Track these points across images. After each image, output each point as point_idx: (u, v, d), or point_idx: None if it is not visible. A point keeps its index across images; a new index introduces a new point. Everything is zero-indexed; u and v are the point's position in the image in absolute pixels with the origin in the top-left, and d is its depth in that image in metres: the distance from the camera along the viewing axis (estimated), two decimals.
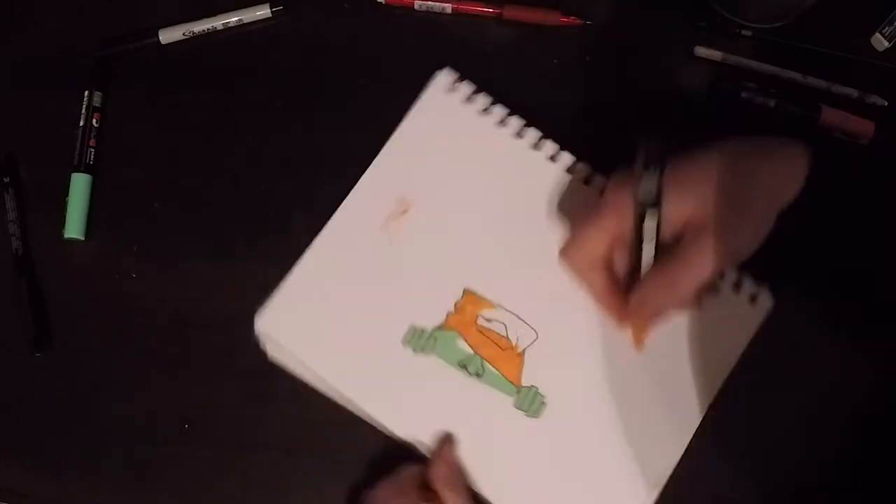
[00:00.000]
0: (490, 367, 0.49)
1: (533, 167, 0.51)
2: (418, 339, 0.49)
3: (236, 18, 0.56)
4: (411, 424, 0.48)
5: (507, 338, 0.50)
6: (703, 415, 0.49)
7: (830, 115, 0.54)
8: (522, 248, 0.50)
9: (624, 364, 0.49)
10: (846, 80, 0.56)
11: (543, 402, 0.49)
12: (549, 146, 0.52)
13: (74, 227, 0.53)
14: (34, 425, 0.51)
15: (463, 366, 0.49)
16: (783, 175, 0.45)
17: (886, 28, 0.56)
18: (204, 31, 0.56)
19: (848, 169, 0.55)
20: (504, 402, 0.49)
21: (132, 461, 0.50)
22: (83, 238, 0.53)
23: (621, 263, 0.46)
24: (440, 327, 0.49)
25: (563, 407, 0.49)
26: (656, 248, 0.43)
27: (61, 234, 0.53)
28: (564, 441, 0.48)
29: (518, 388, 0.49)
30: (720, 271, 0.43)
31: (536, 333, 0.50)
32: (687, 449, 0.48)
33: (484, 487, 0.48)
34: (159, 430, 0.50)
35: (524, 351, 0.50)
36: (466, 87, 0.52)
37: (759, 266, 0.53)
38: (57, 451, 0.51)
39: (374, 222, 0.50)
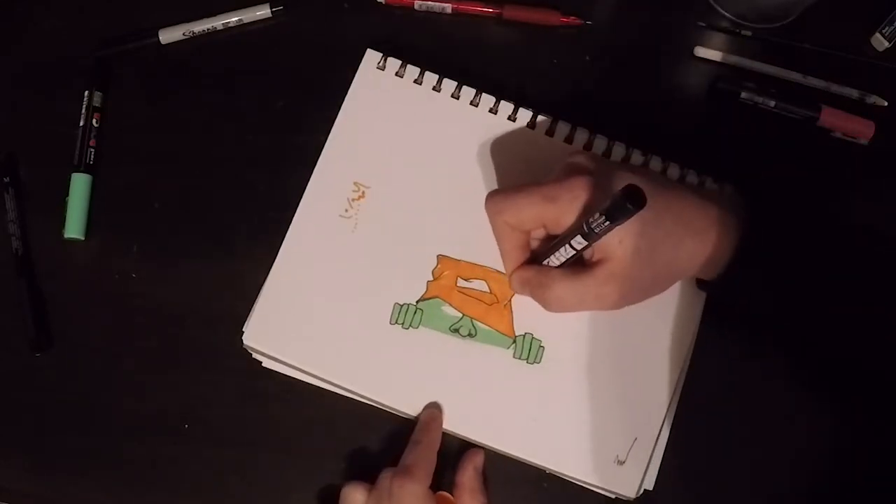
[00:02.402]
0: (481, 324, 0.50)
1: (486, 126, 0.52)
2: (405, 315, 0.50)
3: (236, 18, 0.56)
4: (421, 401, 0.49)
5: (491, 293, 0.50)
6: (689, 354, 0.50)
7: (830, 115, 0.54)
8: (481, 205, 0.50)
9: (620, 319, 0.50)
10: (846, 80, 0.56)
11: (542, 346, 0.50)
12: (505, 106, 0.53)
13: (74, 227, 0.53)
14: (34, 425, 0.51)
15: (455, 330, 0.50)
16: (702, 256, 0.45)
17: (886, 28, 0.56)
18: (204, 31, 0.56)
19: (848, 169, 0.55)
20: (503, 355, 0.49)
21: (132, 461, 0.50)
22: (83, 238, 0.53)
23: (538, 235, 0.47)
24: (423, 298, 0.50)
25: (562, 347, 0.50)
26: (571, 256, 0.44)
27: (61, 234, 0.53)
28: (571, 381, 0.49)
29: (513, 339, 0.50)
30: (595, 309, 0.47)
31: None
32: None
33: (502, 443, 0.49)
34: (159, 431, 0.50)
35: (510, 301, 0.50)
36: (395, 62, 0.53)
37: (759, 268, 0.53)
38: (57, 451, 0.51)
39: (334, 214, 0.51)
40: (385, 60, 0.53)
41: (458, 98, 0.53)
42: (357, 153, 0.52)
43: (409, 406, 0.49)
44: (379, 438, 0.50)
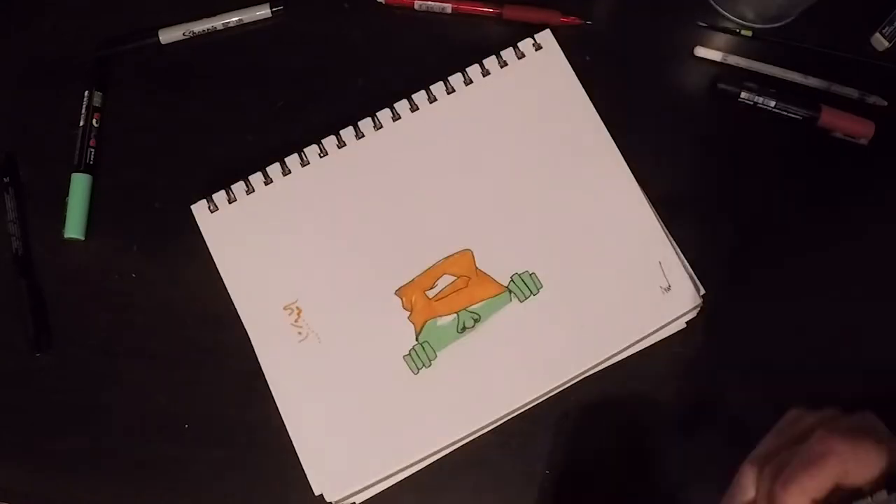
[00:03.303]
0: (476, 306, 0.50)
1: (337, 165, 0.52)
2: (419, 358, 0.50)
3: (236, 18, 0.56)
4: (494, 401, 0.49)
5: (459, 277, 0.51)
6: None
7: (830, 116, 0.54)
8: (388, 223, 0.51)
9: (563, 203, 0.52)
10: (846, 80, 0.56)
11: (532, 274, 0.50)
12: (329, 140, 0.52)
13: (74, 227, 0.53)
14: (34, 425, 0.51)
15: (462, 329, 0.50)
16: None
17: (886, 28, 0.56)
18: (204, 31, 0.56)
19: (848, 169, 0.55)
20: (512, 309, 0.50)
21: (132, 461, 0.50)
22: (83, 238, 0.53)
23: None
24: (418, 333, 0.50)
25: (548, 261, 0.51)
26: None
27: (61, 234, 0.53)
28: (579, 274, 0.50)
29: (507, 290, 0.50)
30: None
31: (471, 251, 0.51)
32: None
33: (580, 366, 0.49)
34: (159, 430, 0.50)
35: (477, 268, 0.51)
36: (220, 195, 0.51)
37: (761, 266, 0.53)
38: (57, 451, 0.51)
39: (292, 344, 0.50)
40: (212, 201, 0.51)
41: (290, 172, 0.52)
42: (263, 286, 0.51)
43: (489, 416, 0.49)
44: None
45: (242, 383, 0.51)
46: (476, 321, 0.50)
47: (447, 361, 0.49)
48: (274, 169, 0.52)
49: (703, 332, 0.52)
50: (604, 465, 0.50)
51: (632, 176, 0.52)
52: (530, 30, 0.55)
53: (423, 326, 0.50)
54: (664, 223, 0.52)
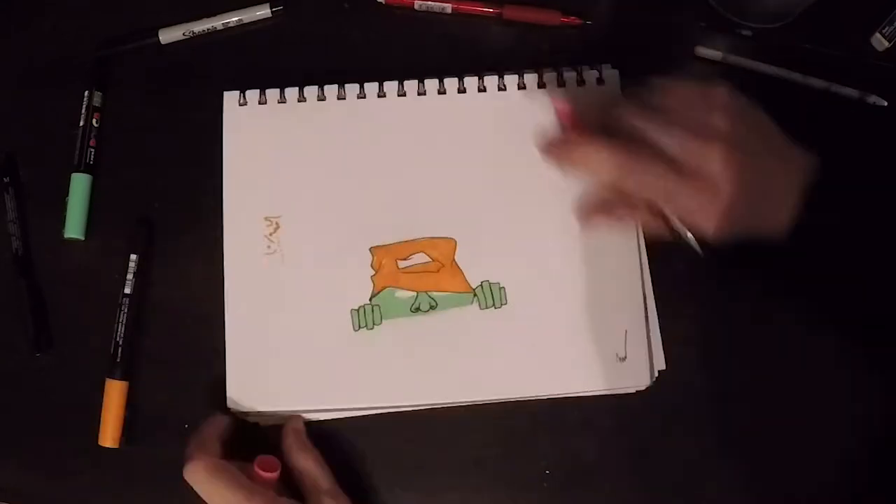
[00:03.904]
0: (437, 293, 0.50)
1: (363, 111, 0.53)
2: (364, 317, 0.50)
3: (236, 18, 0.56)
4: (417, 388, 0.49)
5: (434, 260, 0.51)
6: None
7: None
8: (391, 185, 0.51)
9: (558, 234, 0.51)
10: (846, 80, 0.56)
11: (502, 287, 0.50)
12: (370, 86, 0.53)
13: (74, 227, 0.53)
14: (34, 425, 0.51)
15: (416, 309, 0.50)
16: (788, 193, 0.46)
17: (886, 28, 0.56)
18: (204, 31, 0.56)
19: (848, 169, 0.55)
20: (470, 311, 0.50)
21: (132, 461, 0.50)
22: (83, 238, 0.53)
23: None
24: (374, 294, 0.50)
25: (520, 282, 0.50)
26: None
27: (61, 234, 0.53)
28: (543, 307, 0.50)
29: (473, 292, 0.50)
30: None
31: (454, 240, 0.51)
32: None
33: (506, 392, 0.49)
34: (159, 431, 0.50)
35: (454, 259, 0.51)
36: (254, 93, 0.53)
37: (764, 266, 0.53)
38: (57, 451, 0.51)
39: (259, 255, 0.51)
40: (244, 95, 0.53)
41: (324, 99, 0.53)
42: (256, 190, 0.52)
43: (409, 398, 0.49)
44: (376, 436, 0.50)
45: None
46: (432, 308, 0.50)
47: (388, 331, 0.49)
48: (310, 90, 0.53)
49: (703, 331, 0.52)
50: (604, 465, 0.50)
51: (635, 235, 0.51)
52: (531, 30, 0.55)
53: (380, 291, 0.50)
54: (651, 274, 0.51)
